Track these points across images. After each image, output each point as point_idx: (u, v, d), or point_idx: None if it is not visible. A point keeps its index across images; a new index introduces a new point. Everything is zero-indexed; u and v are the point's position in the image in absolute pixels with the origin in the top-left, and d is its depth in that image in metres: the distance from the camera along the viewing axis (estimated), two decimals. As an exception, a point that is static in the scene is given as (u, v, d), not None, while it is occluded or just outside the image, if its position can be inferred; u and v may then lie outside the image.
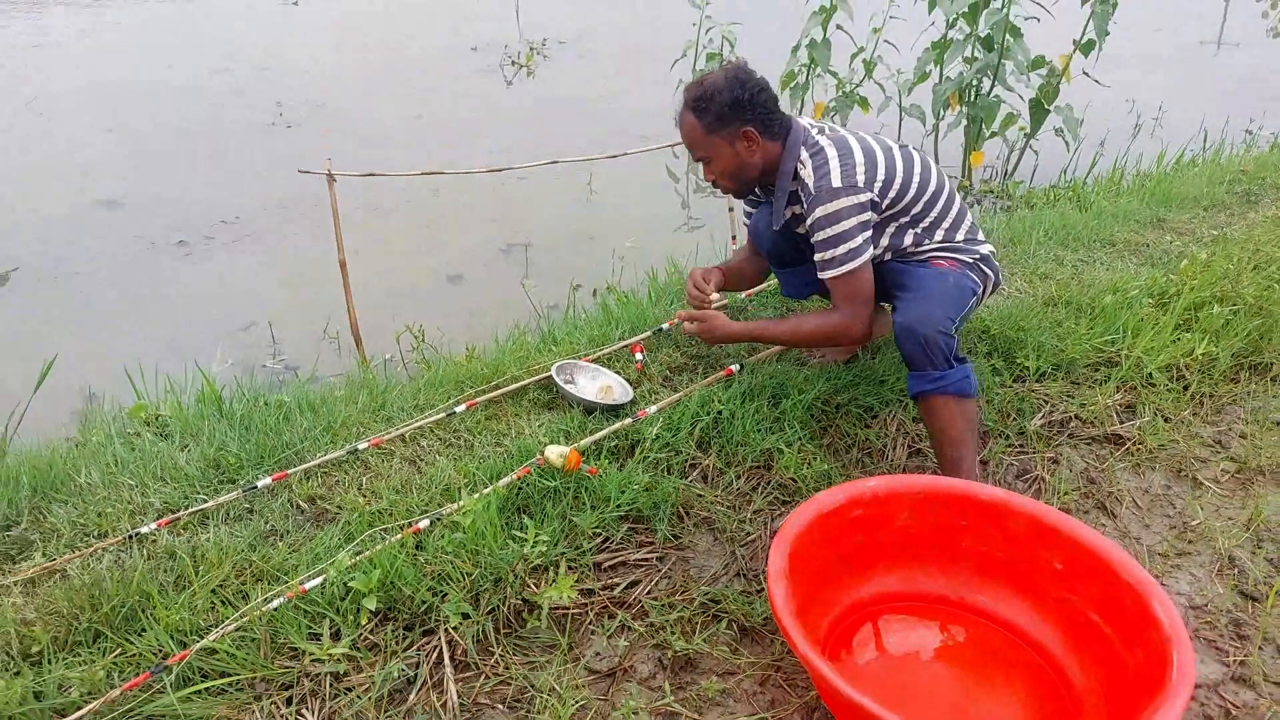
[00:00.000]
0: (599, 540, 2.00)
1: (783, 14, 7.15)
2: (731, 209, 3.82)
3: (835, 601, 1.91)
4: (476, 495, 1.89)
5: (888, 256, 2.25)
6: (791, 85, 5.89)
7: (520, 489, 2.01)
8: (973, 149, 5.30)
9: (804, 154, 2.11)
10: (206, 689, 1.60)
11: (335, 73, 7.30)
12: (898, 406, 2.48)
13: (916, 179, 2.14)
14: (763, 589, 1.95)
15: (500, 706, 1.67)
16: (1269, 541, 2.17)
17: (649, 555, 2.02)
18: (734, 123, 2.08)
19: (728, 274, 2.53)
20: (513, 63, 7.99)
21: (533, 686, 1.70)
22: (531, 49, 8.28)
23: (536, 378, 2.44)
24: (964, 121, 5.25)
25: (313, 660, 1.67)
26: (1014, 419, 2.51)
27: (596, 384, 2.41)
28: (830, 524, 1.86)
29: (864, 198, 2.06)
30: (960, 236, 2.24)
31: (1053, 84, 4.87)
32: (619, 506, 2.02)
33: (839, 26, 5.66)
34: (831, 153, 2.08)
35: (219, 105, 6.35)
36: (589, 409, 2.31)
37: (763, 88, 2.10)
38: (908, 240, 2.21)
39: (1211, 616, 1.96)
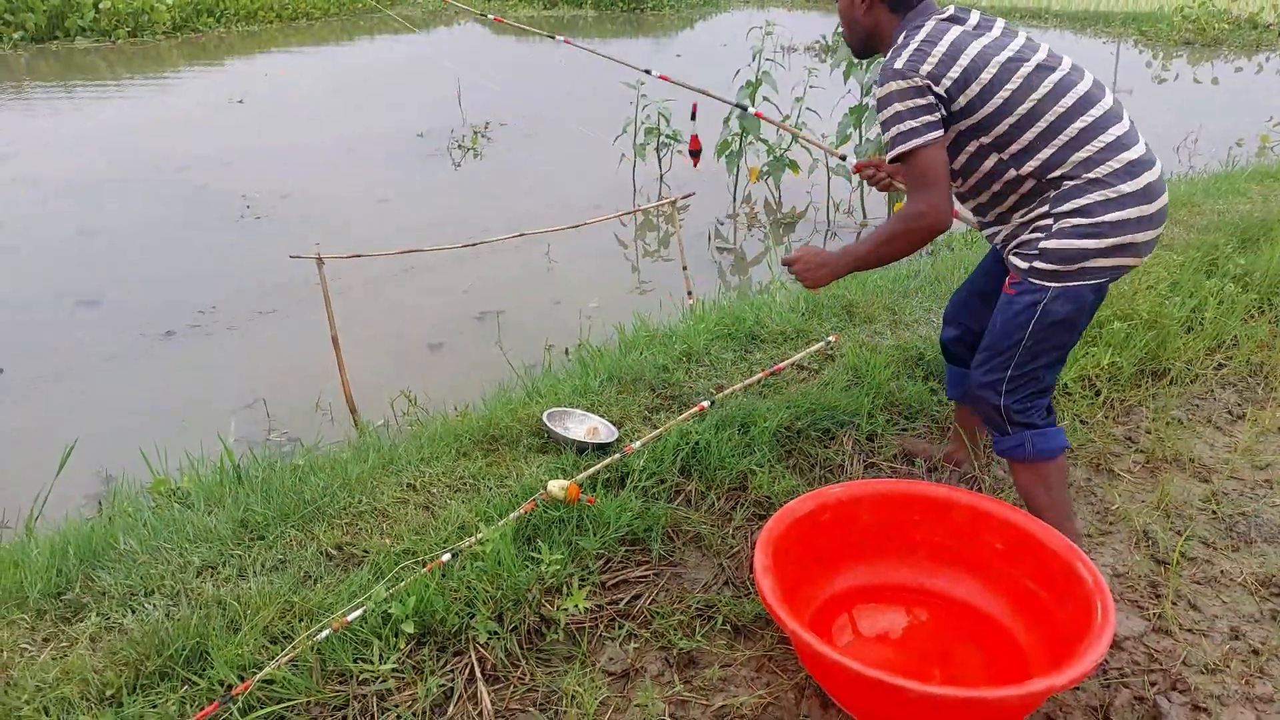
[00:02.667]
0: (602, 561, 2.25)
1: (713, 90, 7.70)
2: (686, 267, 4.18)
3: (813, 597, 2.17)
4: (492, 527, 2.13)
5: (968, 184, 2.08)
6: (726, 154, 6.36)
7: (529, 520, 2.25)
8: (896, 201, 5.79)
9: (901, 37, 2.03)
10: (268, 715, 1.79)
11: (294, 164, 7.58)
12: (851, 428, 2.79)
13: (1005, 92, 1.93)
14: (751, 593, 2.21)
15: (532, 710, 1.89)
16: (1175, 516, 2.52)
17: (647, 572, 2.27)
18: None
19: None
20: (459, 146, 8.38)
21: (558, 690, 1.92)
22: (475, 132, 8.69)
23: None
24: (885, 177, 5.75)
25: (361, 682, 1.87)
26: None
27: (584, 426, 2.68)
28: (803, 528, 2.14)
29: (917, 82, 1.93)
30: (1071, 205, 1.94)
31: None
32: (617, 530, 2.27)
33: (765, 98, 6.18)
34: (916, 38, 1.98)
35: (187, 201, 6.58)
36: (580, 448, 2.57)
37: None
38: (988, 165, 2.01)
39: (1132, 581, 2.28)
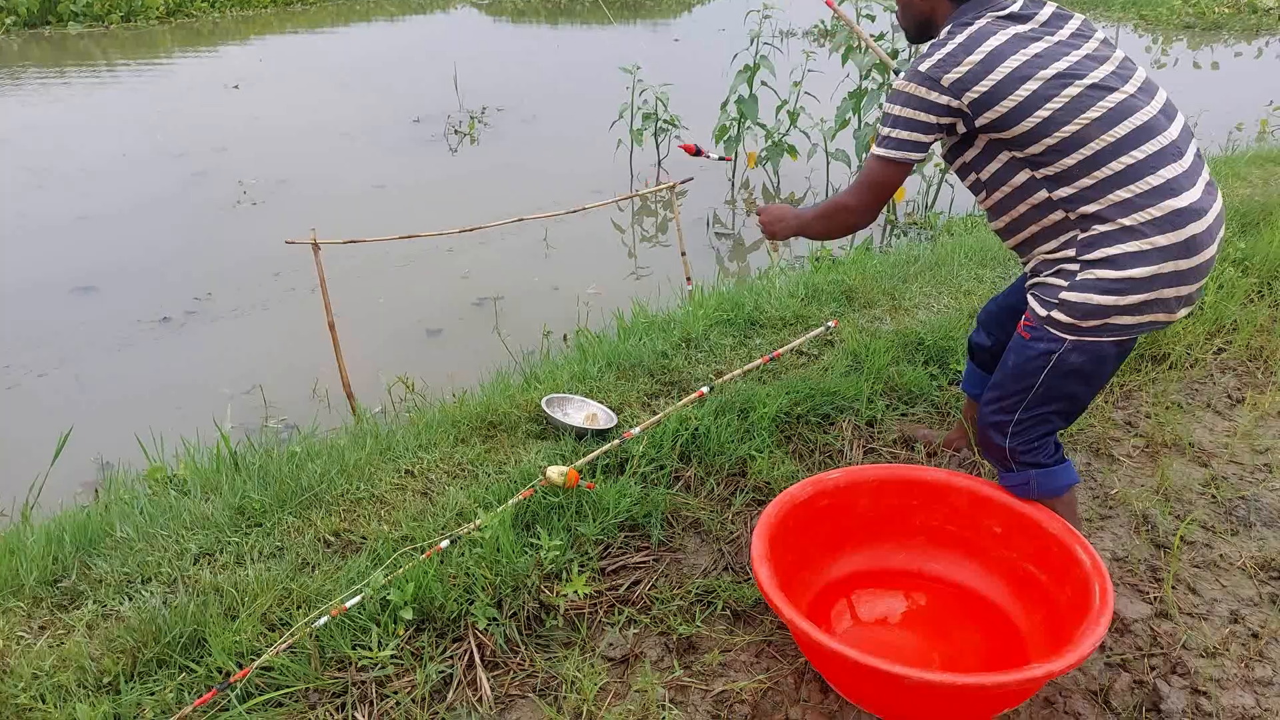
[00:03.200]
0: (601, 547, 2.24)
1: (710, 74, 7.66)
2: (684, 252, 4.15)
3: (812, 583, 2.17)
4: (491, 513, 2.12)
5: (994, 198, 1.95)
6: (725, 138, 6.32)
7: (528, 506, 2.24)
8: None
9: (946, 31, 1.90)
10: (266, 701, 1.78)
11: (290, 150, 7.54)
12: (851, 413, 2.79)
13: (1045, 110, 1.77)
14: (750, 578, 2.21)
15: (531, 695, 1.89)
16: (1175, 500, 2.52)
17: (646, 558, 2.27)
18: None
19: None
20: (455, 131, 8.33)
21: (557, 676, 1.92)
22: (472, 118, 8.63)
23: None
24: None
25: (360, 668, 1.87)
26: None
27: (583, 413, 2.67)
28: (802, 514, 2.14)
29: (932, 95, 1.83)
30: (1100, 253, 1.78)
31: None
32: (616, 516, 2.27)
33: (763, 83, 6.14)
34: (956, 38, 1.84)
35: (183, 188, 6.55)
36: (579, 434, 2.56)
37: None
38: (1019, 180, 1.87)
39: (1132, 565, 2.27)
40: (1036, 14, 1.87)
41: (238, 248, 5.33)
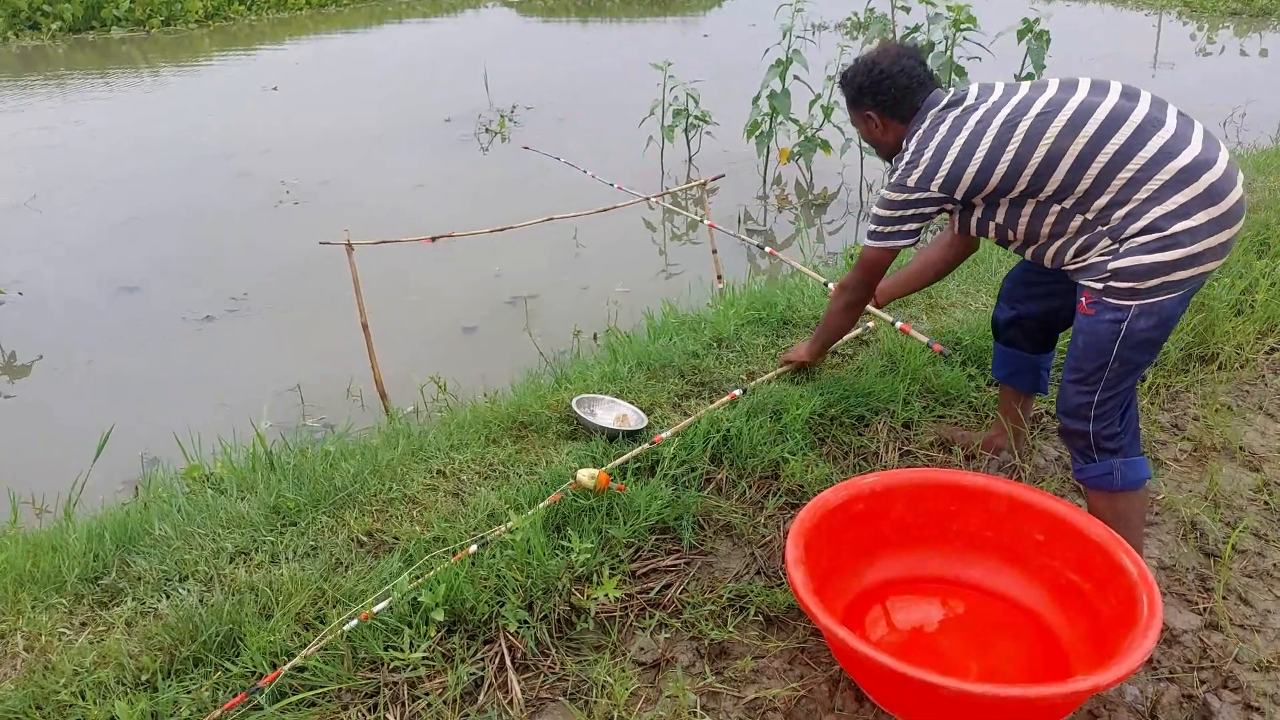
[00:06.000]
0: (632, 550, 2.23)
1: (741, 69, 7.60)
2: (715, 250, 4.12)
3: (847, 589, 2.13)
4: (522, 515, 2.11)
5: (1020, 233, 2.05)
6: (756, 134, 6.26)
7: (558, 509, 2.23)
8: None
9: (905, 142, 2.18)
10: (299, 701, 1.79)
11: (329, 151, 7.62)
12: (886, 415, 2.74)
13: (1009, 154, 1.93)
14: (783, 583, 2.18)
15: (562, 699, 1.88)
16: (1224, 507, 2.44)
17: (677, 561, 2.25)
18: (859, 104, 2.24)
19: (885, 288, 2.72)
20: (486, 130, 8.36)
21: (588, 680, 1.91)
22: (502, 116, 8.65)
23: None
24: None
25: (392, 669, 1.87)
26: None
27: (613, 413, 2.65)
28: (836, 518, 2.10)
29: (903, 196, 2.10)
30: (1134, 228, 1.84)
31: (998, 117, 5.25)
32: (647, 519, 2.25)
33: (796, 77, 6.07)
34: (910, 148, 2.11)
35: (229, 189, 6.66)
36: (610, 436, 2.54)
37: (889, 75, 2.14)
38: (1028, 209, 2.00)
39: (1180, 574, 2.21)
40: (965, 95, 2.10)
41: (280, 246, 5.40)
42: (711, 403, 2.71)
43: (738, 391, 2.71)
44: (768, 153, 6.38)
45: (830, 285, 3.26)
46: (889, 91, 2.17)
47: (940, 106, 2.12)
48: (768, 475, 2.50)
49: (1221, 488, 2.50)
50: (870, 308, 3.01)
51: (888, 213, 2.16)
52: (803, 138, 6.20)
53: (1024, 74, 5.28)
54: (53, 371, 4.12)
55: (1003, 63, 5.44)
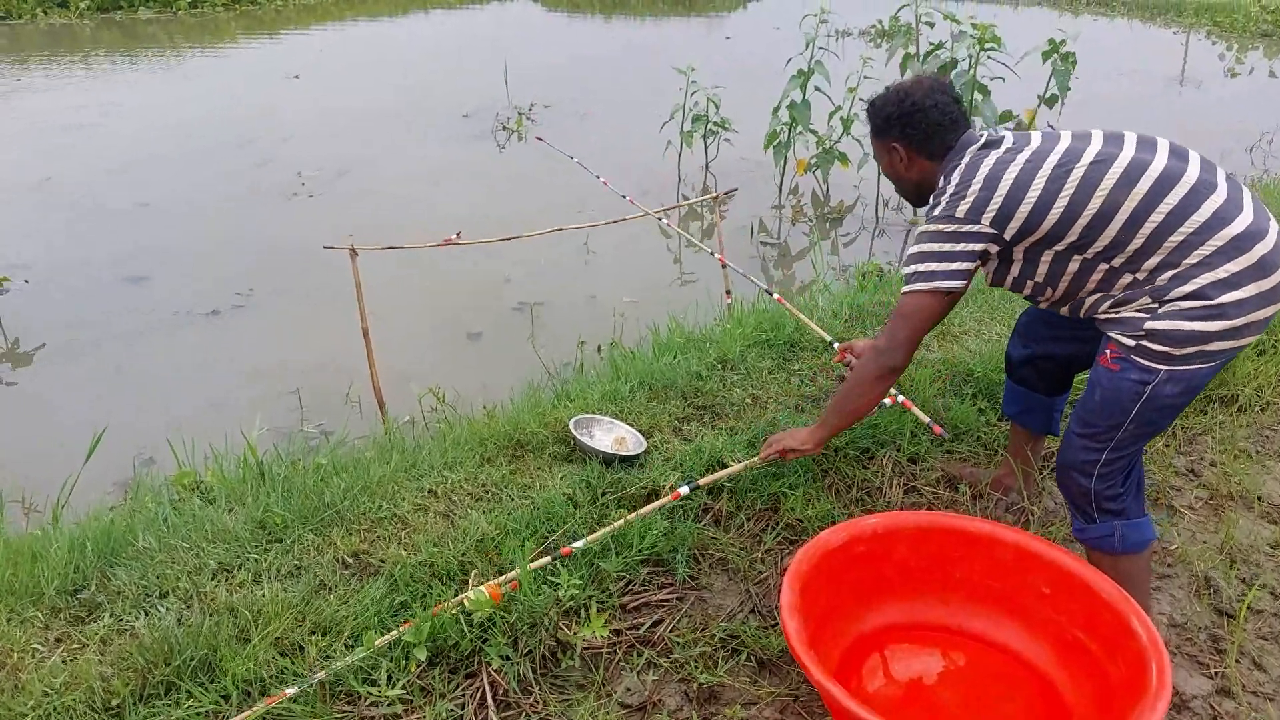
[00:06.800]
0: (623, 584, 2.16)
1: (763, 73, 7.52)
2: (725, 265, 4.05)
3: (845, 633, 2.06)
4: (479, 592, 1.95)
5: (1059, 291, 1.95)
6: (774, 144, 6.18)
7: (545, 538, 2.17)
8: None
9: (941, 180, 2.01)
10: (272, 734, 1.74)
11: (347, 143, 7.61)
12: (891, 448, 2.66)
13: (1063, 200, 1.81)
14: (777, 624, 2.11)
15: (542, 740, 1.82)
16: (1241, 562, 2.35)
17: (670, 595, 2.18)
18: (885, 135, 2.10)
19: None
20: (503, 128, 8.31)
21: (571, 721, 1.85)
22: (520, 114, 8.60)
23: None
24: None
25: (370, 704, 1.81)
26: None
27: (611, 435, 2.59)
28: (835, 560, 2.03)
29: (953, 227, 1.90)
30: (1180, 291, 1.75)
31: (1021, 137, 5.16)
32: (640, 551, 2.18)
33: (817, 88, 5.98)
34: (953, 180, 1.94)
35: (245, 177, 6.64)
36: (607, 461, 2.48)
37: (921, 109, 2.02)
38: (1073, 268, 1.88)
39: (1191, 634, 2.13)
40: (1002, 140, 1.97)
41: (290, 240, 5.37)
42: (712, 428, 2.64)
43: (684, 489, 2.33)
44: (785, 163, 6.30)
45: (836, 344, 3.04)
46: (920, 125, 2.03)
47: (979, 145, 1.98)
48: (767, 508, 2.43)
49: (1238, 541, 2.41)
50: None
51: (934, 246, 1.92)
52: (821, 149, 6.12)
53: (1048, 95, 5.17)
54: (55, 360, 4.10)
55: (1027, 83, 5.34)
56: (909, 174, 2.11)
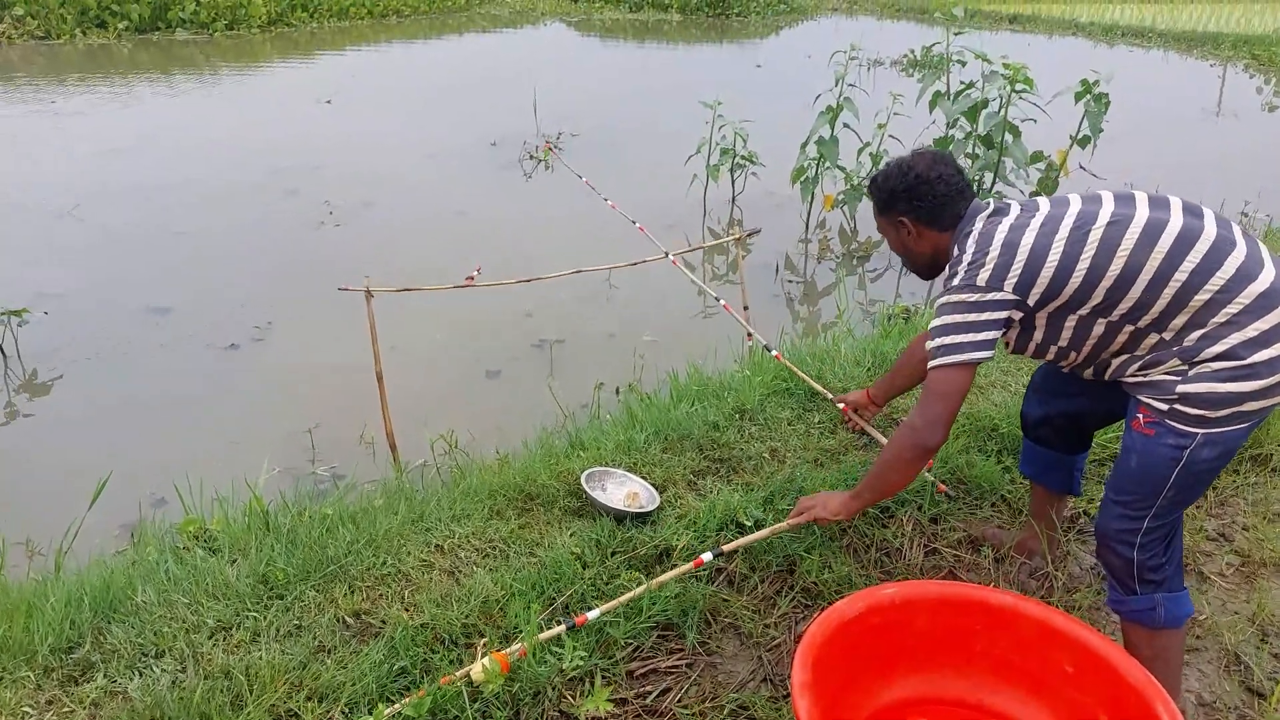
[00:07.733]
0: (630, 649, 2.10)
1: (792, 113, 7.48)
2: (747, 307, 3.99)
3: (861, 707, 1.98)
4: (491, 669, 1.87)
5: (1084, 354, 1.91)
6: (801, 180, 6.13)
7: (552, 600, 2.11)
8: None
9: (955, 249, 1.98)
10: (263, 807, 1.69)
11: (375, 172, 7.66)
12: (912, 507, 2.58)
13: (1085, 261, 1.77)
14: (789, 695, 2.03)
15: (540, 820, 1.75)
16: (1274, 636, 2.24)
17: (679, 662, 2.11)
18: (891, 210, 2.09)
19: (879, 393, 2.77)
20: (530, 157, 8.34)
21: (570, 799, 1.78)
22: (548, 143, 8.62)
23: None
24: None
25: (362, 776, 1.76)
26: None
27: (624, 490, 2.53)
28: (851, 632, 1.95)
29: (975, 296, 1.85)
30: (1210, 352, 1.71)
31: (1051, 178, 5.07)
32: (650, 616, 2.12)
33: (845, 125, 5.93)
34: (968, 249, 1.91)
35: (274, 206, 6.69)
36: (619, 517, 2.43)
37: (926, 181, 2.00)
38: (1098, 330, 1.84)
39: (1220, 714, 2.02)
40: (1009, 209, 1.94)
41: (313, 271, 5.38)
42: (728, 482, 2.57)
43: (707, 556, 2.25)
44: (812, 198, 6.24)
45: (841, 403, 2.99)
46: (926, 198, 2.02)
47: (989, 213, 1.96)
48: (782, 570, 2.36)
49: (1271, 613, 2.30)
50: (868, 427, 2.87)
51: (958, 318, 1.87)
52: (849, 185, 6.06)
53: (1080, 135, 5.08)
54: (72, 392, 4.11)
55: (1059, 121, 5.25)
56: (919, 247, 2.09)
